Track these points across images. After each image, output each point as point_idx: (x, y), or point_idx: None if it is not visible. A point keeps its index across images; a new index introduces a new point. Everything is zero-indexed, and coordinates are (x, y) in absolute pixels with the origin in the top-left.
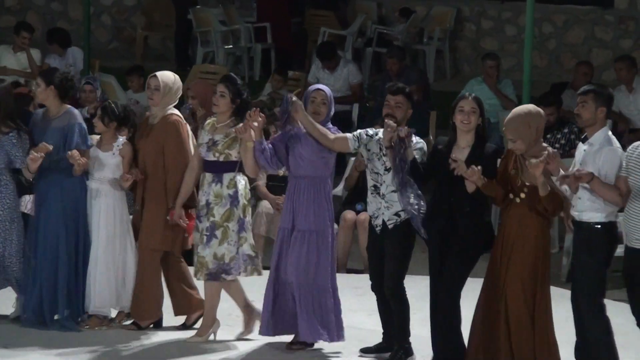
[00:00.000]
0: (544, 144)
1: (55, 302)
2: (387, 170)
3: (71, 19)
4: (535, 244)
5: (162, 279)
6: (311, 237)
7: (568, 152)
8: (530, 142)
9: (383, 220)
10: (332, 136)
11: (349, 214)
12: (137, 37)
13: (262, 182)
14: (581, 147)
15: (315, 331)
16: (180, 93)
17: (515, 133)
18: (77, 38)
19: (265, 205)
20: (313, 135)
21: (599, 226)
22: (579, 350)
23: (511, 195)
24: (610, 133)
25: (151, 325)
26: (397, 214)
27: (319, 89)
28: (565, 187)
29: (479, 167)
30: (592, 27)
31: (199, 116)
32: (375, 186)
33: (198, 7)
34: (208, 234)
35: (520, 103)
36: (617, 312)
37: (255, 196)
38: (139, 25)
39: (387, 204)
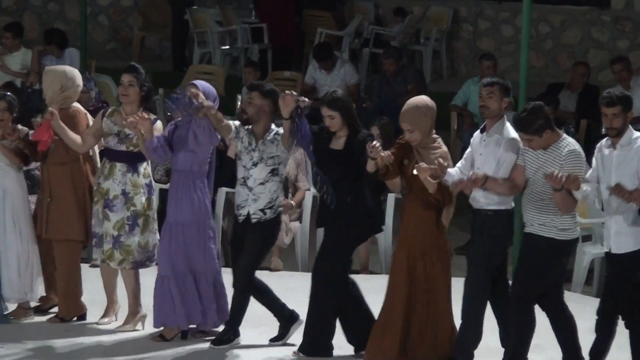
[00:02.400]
0: (439, 144)
1: None
2: (254, 165)
3: (68, 19)
4: (425, 235)
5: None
6: (189, 228)
7: None
8: (425, 132)
9: (248, 212)
10: (225, 121)
11: None
12: (134, 38)
13: None
14: (478, 137)
15: (200, 318)
16: (78, 87)
17: (413, 123)
18: (73, 39)
19: None
20: (210, 118)
21: (494, 213)
22: (503, 340)
23: (407, 186)
24: (508, 123)
25: (75, 319)
26: (262, 210)
27: (191, 83)
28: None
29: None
30: (589, 27)
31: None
32: (243, 178)
33: (195, 7)
34: (130, 223)
35: (516, 104)
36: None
37: None
38: (136, 25)
39: (255, 197)
